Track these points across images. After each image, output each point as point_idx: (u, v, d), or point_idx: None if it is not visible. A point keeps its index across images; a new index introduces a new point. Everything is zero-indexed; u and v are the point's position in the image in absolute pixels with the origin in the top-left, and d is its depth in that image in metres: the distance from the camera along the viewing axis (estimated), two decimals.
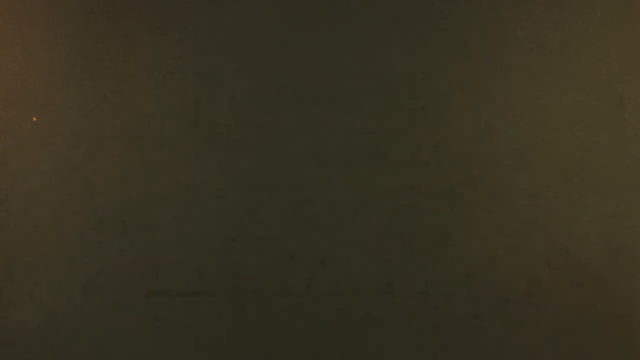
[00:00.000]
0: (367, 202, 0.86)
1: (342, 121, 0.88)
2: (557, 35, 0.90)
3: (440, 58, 0.90)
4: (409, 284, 0.86)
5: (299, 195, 0.87)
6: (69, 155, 0.88)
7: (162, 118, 0.88)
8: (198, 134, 0.88)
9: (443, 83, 0.89)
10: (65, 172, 0.88)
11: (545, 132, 0.89)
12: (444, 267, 0.87)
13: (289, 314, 0.85)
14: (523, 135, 0.88)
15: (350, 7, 0.91)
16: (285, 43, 0.90)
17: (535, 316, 0.86)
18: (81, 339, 0.86)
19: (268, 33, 0.90)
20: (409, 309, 0.86)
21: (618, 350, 0.86)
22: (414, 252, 0.87)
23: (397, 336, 0.86)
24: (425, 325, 0.86)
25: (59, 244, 0.87)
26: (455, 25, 0.90)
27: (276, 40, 0.90)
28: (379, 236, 0.87)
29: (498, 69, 0.89)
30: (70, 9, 0.90)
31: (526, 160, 0.88)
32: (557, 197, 0.88)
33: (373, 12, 0.90)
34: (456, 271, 0.87)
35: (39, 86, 0.89)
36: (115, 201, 0.87)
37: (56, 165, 0.88)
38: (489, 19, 0.90)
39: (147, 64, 0.89)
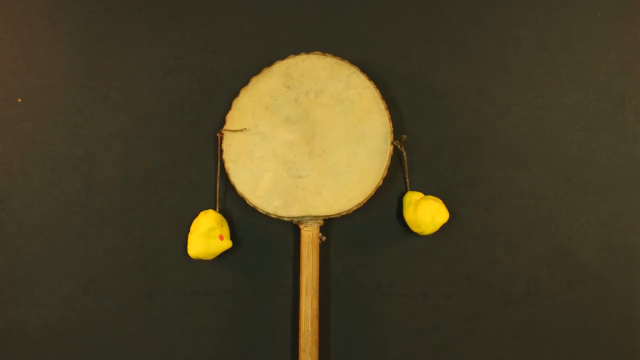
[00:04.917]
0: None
1: None
2: (557, 35, 0.90)
3: (440, 58, 0.90)
4: (409, 284, 0.86)
5: None
6: (69, 155, 0.88)
7: (162, 118, 0.88)
8: (198, 134, 0.88)
9: (443, 83, 0.89)
10: (65, 172, 0.88)
11: (545, 132, 0.89)
12: (444, 267, 0.87)
13: (290, 313, 0.85)
14: (523, 135, 0.88)
15: (350, 7, 0.91)
16: (285, 43, 0.90)
17: (535, 316, 0.86)
18: (81, 339, 0.86)
19: (268, 33, 0.90)
20: (409, 309, 0.86)
21: (618, 350, 0.86)
22: (414, 252, 0.87)
23: (397, 336, 0.86)
24: (425, 325, 0.86)
25: (59, 244, 0.87)
26: (455, 25, 0.90)
27: (276, 40, 0.90)
28: (379, 236, 0.87)
29: (498, 69, 0.89)
30: (70, 9, 0.91)
31: (526, 160, 0.88)
32: (557, 197, 0.88)
33: (373, 12, 0.91)
34: (456, 271, 0.87)
35: (39, 86, 0.89)
36: (115, 201, 0.87)
37: (56, 165, 0.88)
38: (489, 19, 0.90)
39: (147, 64, 0.89)
